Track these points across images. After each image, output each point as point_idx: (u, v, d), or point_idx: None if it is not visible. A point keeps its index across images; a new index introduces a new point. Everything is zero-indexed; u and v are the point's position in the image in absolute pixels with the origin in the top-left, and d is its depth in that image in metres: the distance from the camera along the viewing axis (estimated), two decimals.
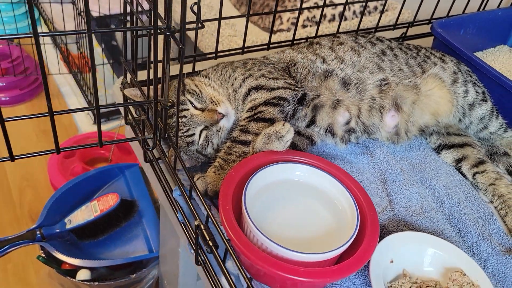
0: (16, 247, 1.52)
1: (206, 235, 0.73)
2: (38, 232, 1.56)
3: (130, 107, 1.01)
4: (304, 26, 1.74)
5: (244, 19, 1.09)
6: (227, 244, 0.69)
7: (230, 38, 1.56)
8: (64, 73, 2.71)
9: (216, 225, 0.71)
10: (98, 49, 2.78)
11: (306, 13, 1.75)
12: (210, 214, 0.73)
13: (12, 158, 0.72)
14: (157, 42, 0.73)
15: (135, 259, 1.65)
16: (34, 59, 2.67)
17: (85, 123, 2.56)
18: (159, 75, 0.76)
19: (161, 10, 0.68)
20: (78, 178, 1.78)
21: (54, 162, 2.19)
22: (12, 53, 2.54)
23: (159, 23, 0.71)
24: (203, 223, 0.75)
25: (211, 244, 0.72)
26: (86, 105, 2.55)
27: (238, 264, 0.67)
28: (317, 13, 1.76)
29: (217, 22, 1.05)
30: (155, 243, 1.68)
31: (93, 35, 0.68)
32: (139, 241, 1.70)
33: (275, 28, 1.73)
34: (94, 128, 2.53)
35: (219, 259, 0.72)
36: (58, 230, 1.59)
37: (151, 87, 0.90)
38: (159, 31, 0.71)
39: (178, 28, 1.01)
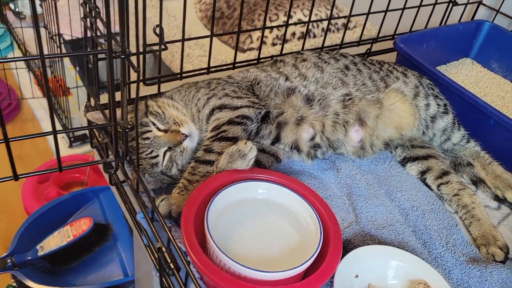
0: None
1: (167, 257, 0.72)
2: (9, 260, 1.53)
3: (95, 130, 1.01)
4: (273, 44, 1.77)
5: (215, 39, 1.10)
6: (186, 267, 0.69)
7: (199, 58, 1.58)
8: (38, 97, 2.69)
9: (176, 247, 0.71)
10: (72, 72, 2.76)
11: (275, 31, 1.78)
12: (170, 236, 0.72)
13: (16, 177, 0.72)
14: (113, 65, 0.73)
15: (111, 284, 1.62)
16: (7, 84, 2.65)
17: (60, 148, 2.52)
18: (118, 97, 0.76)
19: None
20: (51, 203, 1.75)
21: (28, 187, 2.15)
22: None
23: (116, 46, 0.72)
24: (165, 245, 0.74)
25: (172, 267, 0.72)
26: (61, 129, 2.53)
27: (197, 286, 0.67)
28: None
29: (188, 43, 1.06)
30: (131, 266, 1.66)
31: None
32: (114, 265, 1.67)
33: (245, 47, 1.75)
34: (69, 152, 2.50)
35: (180, 282, 0.71)
36: (29, 258, 1.56)
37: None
38: (114, 54, 0.72)
39: (141, 50, 1.02)
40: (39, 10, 2.51)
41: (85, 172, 2.30)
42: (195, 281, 0.67)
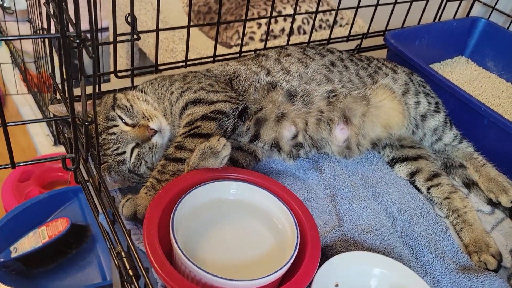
0: None
1: (126, 264, 0.66)
2: None
3: (60, 125, 0.94)
4: (262, 40, 1.70)
5: (199, 34, 1.04)
6: (144, 274, 0.62)
7: (183, 53, 1.51)
8: (23, 93, 2.62)
9: (135, 253, 0.64)
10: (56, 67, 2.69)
11: (264, 27, 1.71)
12: (129, 241, 0.66)
13: None
14: (69, 51, 0.67)
15: None
16: None
17: (44, 145, 2.45)
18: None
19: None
20: (28, 202, 1.68)
21: (8, 186, 2.08)
22: None
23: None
24: (124, 250, 0.68)
25: (131, 274, 0.65)
26: (46, 126, 2.46)
27: None
28: (275, 27, 1.73)
29: (172, 37, 0.99)
30: (109, 270, 1.59)
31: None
32: (92, 268, 1.60)
33: (232, 43, 1.69)
34: (54, 150, 2.42)
35: None
36: (2, 260, 1.49)
37: (77, 103, 0.84)
38: (70, 38, 0.65)
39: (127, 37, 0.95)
40: (24, 5, 2.44)
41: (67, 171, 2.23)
42: None
